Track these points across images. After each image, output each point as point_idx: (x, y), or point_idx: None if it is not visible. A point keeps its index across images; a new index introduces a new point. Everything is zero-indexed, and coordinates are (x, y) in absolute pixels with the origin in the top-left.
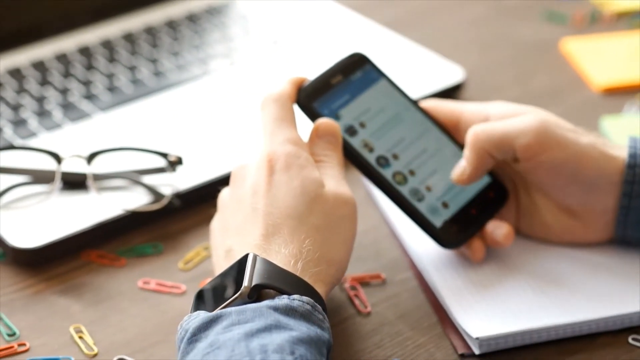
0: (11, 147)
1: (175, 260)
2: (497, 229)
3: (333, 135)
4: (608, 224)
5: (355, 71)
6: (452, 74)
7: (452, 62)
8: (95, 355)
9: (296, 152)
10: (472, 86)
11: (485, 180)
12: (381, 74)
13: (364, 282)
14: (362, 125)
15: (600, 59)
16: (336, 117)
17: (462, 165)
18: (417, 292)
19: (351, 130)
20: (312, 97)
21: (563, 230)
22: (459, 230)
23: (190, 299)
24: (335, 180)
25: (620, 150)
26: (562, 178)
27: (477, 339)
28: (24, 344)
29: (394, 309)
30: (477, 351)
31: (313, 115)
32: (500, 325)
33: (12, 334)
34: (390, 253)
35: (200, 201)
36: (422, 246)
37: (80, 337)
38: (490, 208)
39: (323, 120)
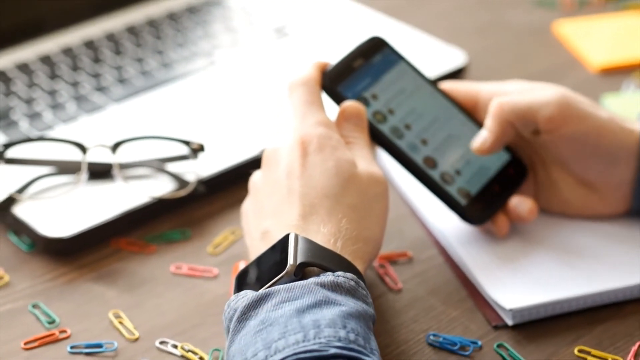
0: (38, 138)
1: (204, 245)
2: (521, 204)
3: (359, 117)
4: (625, 196)
5: (375, 54)
6: (454, 58)
7: (453, 47)
8: (137, 339)
9: (328, 133)
10: (473, 70)
11: (505, 157)
12: (400, 57)
13: (391, 261)
14: (385, 105)
15: (594, 40)
16: (359, 99)
17: (484, 135)
18: (444, 268)
19: (374, 111)
20: (336, 80)
21: (580, 204)
22: (484, 207)
23: (223, 282)
24: (366, 160)
25: (636, 124)
26: (583, 151)
27: (510, 310)
28: (64, 331)
29: (424, 285)
30: (510, 322)
31: (338, 99)
32: (532, 297)
33: (52, 322)
34: (413, 232)
35: (223, 187)
36: (444, 224)
37: (120, 322)
38: (511, 184)
39: (349, 103)
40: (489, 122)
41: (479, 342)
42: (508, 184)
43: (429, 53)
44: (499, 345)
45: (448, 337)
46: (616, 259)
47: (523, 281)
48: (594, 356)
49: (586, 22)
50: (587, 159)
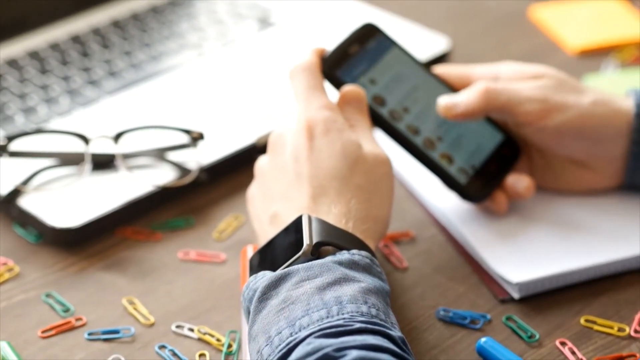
0: (40, 131)
1: (208, 232)
2: (519, 182)
3: (359, 101)
4: (617, 171)
5: (369, 40)
6: (438, 44)
7: (435, 33)
8: (152, 324)
9: (333, 116)
10: (456, 55)
11: (499, 137)
12: (392, 42)
13: (395, 240)
14: (383, 90)
15: (570, 23)
16: (357, 84)
17: (456, 102)
18: (446, 246)
19: (373, 95)
20: (335, 66)
21: (574, 180)
22: (482, 186)
23: (232, 267)
24: (369, 141)
25: (624, 102)
26: (567, 138)
27: (517, 284)
28: (80, 319)
29: (429, 263)
30: (516, 296)
31: (337, 84)
32: (536, 270)
33: (67, 310)
34: (413, 212)
35: (224, 174)
36: (444, 204)
37: (135, 309)
38: (507, 163)
39: (349, 88)
40: (469, 98)
41: (488, 316)
42: (503, 163)
43: (412, 39)
44: (508, 318)
45: (458, 311)
46: (613, 232)
47: (526, 256)
48: (600, 325)
49: (560, 7)
50: (572, 144)
